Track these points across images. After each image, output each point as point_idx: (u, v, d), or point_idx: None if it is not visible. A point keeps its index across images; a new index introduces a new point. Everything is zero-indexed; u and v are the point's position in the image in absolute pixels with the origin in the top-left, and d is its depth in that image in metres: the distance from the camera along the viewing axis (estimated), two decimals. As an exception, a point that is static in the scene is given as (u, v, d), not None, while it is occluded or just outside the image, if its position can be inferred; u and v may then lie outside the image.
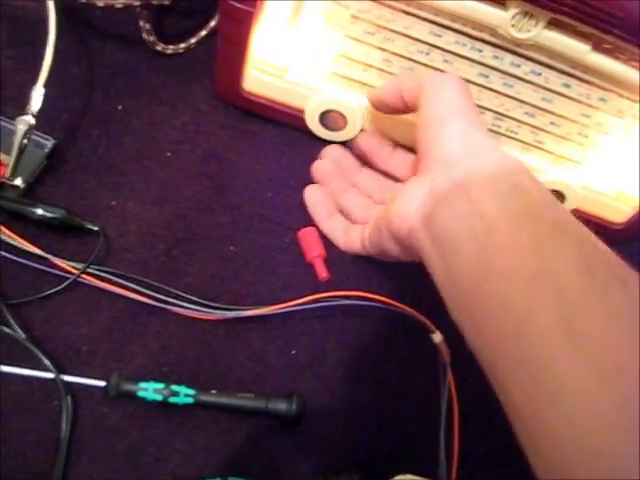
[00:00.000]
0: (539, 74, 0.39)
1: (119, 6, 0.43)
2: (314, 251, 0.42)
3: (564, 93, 0.40)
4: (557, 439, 0.21)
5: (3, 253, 0.38)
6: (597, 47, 0.36)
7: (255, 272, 0.42)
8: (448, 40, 0.39)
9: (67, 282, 0.38)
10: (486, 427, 0.39)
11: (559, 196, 0.44)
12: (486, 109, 0.42)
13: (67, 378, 0.36)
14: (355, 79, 0.42)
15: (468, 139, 0.30)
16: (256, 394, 0.37)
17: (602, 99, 0.40)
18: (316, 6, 0.39)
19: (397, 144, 0.44)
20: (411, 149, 0.43)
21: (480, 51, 0.39)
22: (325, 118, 0.43)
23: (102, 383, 0.36)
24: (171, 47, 0.47)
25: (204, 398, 0.36)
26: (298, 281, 0.42)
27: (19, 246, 0.38)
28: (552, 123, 0.42)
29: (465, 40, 0.39)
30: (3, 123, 0.41)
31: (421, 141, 0.32)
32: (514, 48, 0.38)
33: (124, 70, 0.46)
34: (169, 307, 0.39)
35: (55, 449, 0.35)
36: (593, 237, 0.26)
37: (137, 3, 0.43)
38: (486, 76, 0.40)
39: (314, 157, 0.45)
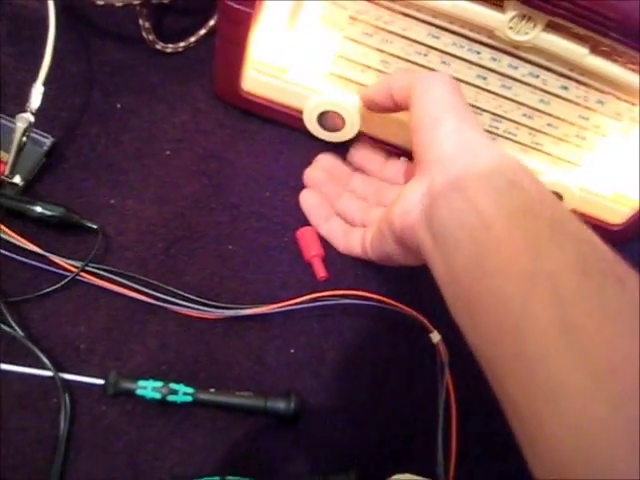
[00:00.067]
0: (537, 76, 0.39)
1: (119, 4, 0.43)
2: (312, 250, 0.42)
3: (562, 95, 0.40)
4: (554, 438, 0.22)
5: (2, 251, 0.38)
6: (595, 50, 0.36)
7: (254, 271, 0.42)
8: (446, 42, 0.39)
9: (66, 280, 0.38)
10: (484, 426, 0.39)
11: (557, 197, 0.44)
12: (484, 111, 0.42)
13: (65, 376, 0.36)
14: (353, 80, 0.42)
15: (462, 137, 0.31)
16: (254, 393, 0.37)
17: (600, 101, 0.40)
18: (314, 7, 0.39)
19: (392, 147, 0.45)
20: (404, 154, 0.44)
21: (478, 53, 0.39)
22: (323, 119, 0.44)
23: (100, 381, 0.36)
24: (170, 46, 0.47)
25: (203, 396, 0.36)
26: (297, 280, 0.42)
27: (18, 244, 0.38)
28: (550, 125, 0.42)
29: (463, 42, 0.39)
30: (2, 121, 0.41)
31: (416, 142, 0.33)
32: (512, 50, 0.38)
33: (123, 68, 0.46)
34: (168, 306, 0.39)
35: (53, 447, 0.35)
36: (591, 235, 0.26)
37: (137, 2, 0.43)
38: (484, 78, 0.40)
39: (312, 157, 0.45)
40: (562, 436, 0.21)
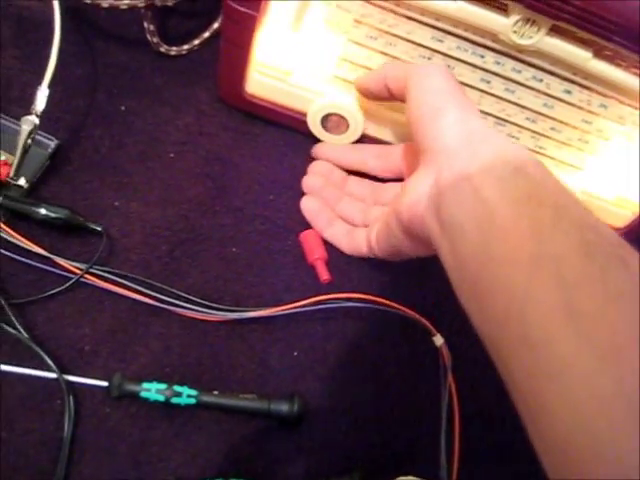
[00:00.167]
0: (540, 80, 0.39)
1: (124, 7, 0.43)
2: (316, 253, 0.42)
3: (565, 99, 0.40)
4: (557, 418, 0.22)
5: (6, 252, 0.38)
6: (598, 54, 0.36)
7: (257, 274, 0.42)
8: (450, 45, 0.39)
9: (70, 282, 0.38)
10: (486, 429, 0.39)
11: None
12: (487, 114, 0.42)
13: (70, 378, 0.36)
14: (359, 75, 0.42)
15: (466, 127, 0.31)
16: (258, 395, 0.37)
17: (603, 105, 0.40)
18: (319, 10, 0.39)
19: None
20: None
21: (482, 57, 0.39)
22: (327, 121, 0.44)
23: (105, 383, 0.36)
24: (174, 48, 0.47)
25: (206, 399, 0.36)
26: (300, 283, 0.42)
27: (22, 245, 0.38)
28: (553, 129, 0.42)
29: (467, 45, 0.39)
30: (7, 123, 0.41)
31: (418, 133, 0.33)
32: (516, 54, 0.38)
33: (128, 71, 0.46)
34: (172, 308, 0.39)
35: (57, 449, 0.35)
36: (594, 219, 0.26)
37: (142, 4, 0.43)
38: (488, 82, 0.40)
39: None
40: (565, 415, 0.22)
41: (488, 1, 0.35)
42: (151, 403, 0.36)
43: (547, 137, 0.43)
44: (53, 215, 0.38)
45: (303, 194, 0.44)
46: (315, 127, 0.44)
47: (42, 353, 0.36)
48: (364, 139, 0.45)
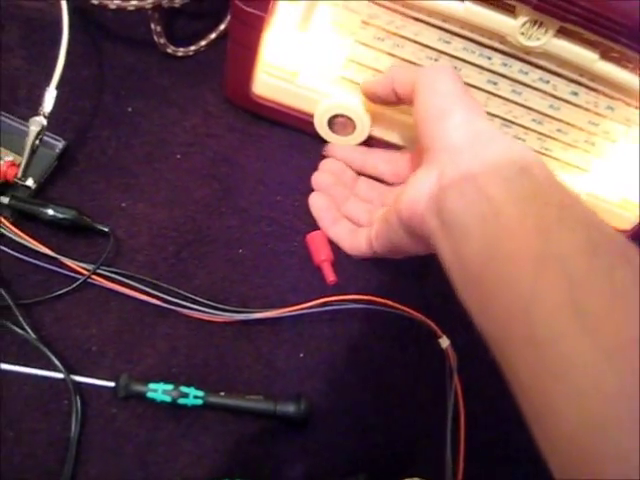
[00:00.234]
0: (547, 82, 0.39)
1: (131, 8, 0.43)
2: (322, 255, 0.42)
3: (572, 101, 0.40)
4: (563, 417, 0.22)
5: (14, 253, 0.38)
6: (605, 55, 0.36)
7: (263, 275, 0.42)
8: (457, 47, 0.39)
9: (77, 283, 0.38)
10: (492, 431, 0.39)
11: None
12: (494, 116, 0.42)
13: (77, 378, 0.36)
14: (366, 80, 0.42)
15: (472, 127, 0.31)
16: (264, 396, 0.37)
17: (610, 107, 0.40)
18: (326, 11, 0.39)
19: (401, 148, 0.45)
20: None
21: (489, 58, 0.39)
22: (333, 123, 0.44)
23: (111, 384, 0.36)
24: (181, 49, 0.47)
25: (213, 400, 0.36)
26: (306, 284, 0.42)
27: (30, 246, 0.38)
28: (559, 130, 0.42)
29: (474, 47, 0.39)
30: (15, 123, 0.41)
31: (424, 133, 0.33)
32: (523, 56, 0.38)
33: (135, 72, 0.46)
34: (178, 309, 0.39)
35: (64, 449, 0.35)
36: (599, 219, 0.26)
37: (149, 6, 0.43)
38: (495, 83, 0.40)
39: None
40: (570, 411, 0.22)
41: (496, 3, 0.35)
42: (158, 404, 0.36)
43: (553, 139, 0.43)
44: (60, 216, 0.38)
45: (309, 195, 0.44)
46: (322, 128, 0.44)
47: (49, 353, 0.36)
48: (370, 140, 0.45)
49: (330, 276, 0.42)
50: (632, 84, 0.37)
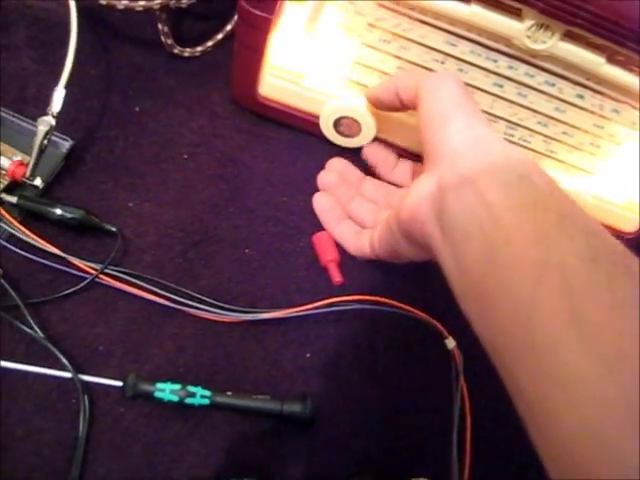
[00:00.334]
0: (553, 85, 0.40)
1: (139, 9, 0.43)
2: (328, 255, 0.42)
3: (577, 104, 0.40)
4: (561, 423, 0.22)
5: (22, 252, 0.38)
6: (611, 59, 0.37)
7: (270, 275, 0.42)
8: (463, 50, 0.39)
9: (85, 282, 0.38)
10: (498, 432, 0.39)
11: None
12: (499, 118, 0.42)
13: (85, 378, 0.36)
14: (370, 86, 0.42)
15: (473, 133, 0.31)
16: (271, 396, 0.37)
17: (615, 110, 0.40)
18: (333, 14, 0.39)
19: (405, 151, 0.45)
20: (418, 159, 0.44)
21: (495, 61, 0.39)
22: (339, 124, 0.44)
23: (119, 383, 0.36)
24: (188, 50, 0.47)
25: (220, 399, 0.36)
26: (312, 285, 0.42)
27: (38, 245, 0.38)
28: (565, 133, 0.42)
29: (480, 50, 0.39)
30: (23, 123, 0.41)
31: (426, 139, 0.33)
32: (529, 59, 0.38)
33: (142, 72, 0.46)
34: (185, 309, 0.39)
35: (72, 448, 0.35)
36: (599, 227, 0.26)
37: (156, 6, 0.43)
38: (500, 86, 0.41)
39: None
40: (569, 420, 0.22)
41: (502, 6, 0.36)
42: (165, 403, 0.36)
43: (559, 141, 0.43)
44: (68, 215, 0.39)
45: (314, 195, 0.44)
46: (327, 130, 0.45)
47: (58, 353, 0.36)
48: (376, 142, 0.45)
49: (336, 276, 0.42)
50: (638, 87, 0.38)
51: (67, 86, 0.39)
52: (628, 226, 0.46)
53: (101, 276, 0.39)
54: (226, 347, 0.39)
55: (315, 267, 0.43)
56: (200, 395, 0.36)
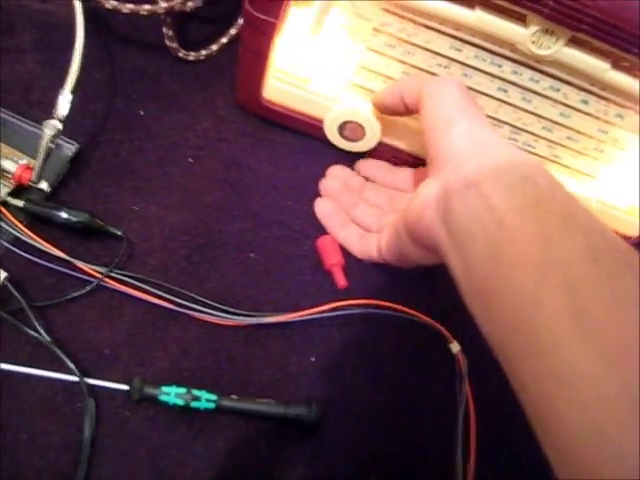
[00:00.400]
0: (558, 90, 0.40)
1: (144, 13, 0.43)
2: (333, 259, 0.42)
3: (582, 109, 0.40)
4: (565, 419, 0.22)
5: (28, 256, 0.38)
6: (616, 65, 0.37)
7: (274, 279, 0.42)
8: (468, 54, 0.39)
9: (91, 286, 0.38)
10: (503, 437, 0.40)
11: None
12: (504, 123, 0.43)
13: (90, 381, 0.36)
14: (375, 91, 0.42)
15: (475, 136, 0.31)
16: (276, 400, 0.37)
17: (619, 115, 0.40)
18: (338, 18, 0.39)
19: (410, 155, 0.45)
20: (423, 163, 0.44)
21: (500, 66, 0.39)
22: (344, 128, 0.44)
23: (125, 387, 0.36)
24: (192, 54, 0.47)
25: (225, 403, 0.36)
26: (317, 288, 0.42)
27: (43, 249, 0.38)
28: (569, 138, 0.42)
29: (485, 55, 0.39)
30: (28, 126, 0.41)
31: (430, 143, 0.34)
32: (534, 64, 0.38)
33: (146, 76, 0.46)
34: (190, 312, 0.39)
35: (77, 451, 0.35)
36: (601, 225, 0.27)
37: (161, 10, 0.43)
38: (505, 91, 0.41)
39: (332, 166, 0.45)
40: (572, 416, 0.22)
41: (507, 11, 0.36)
42: (170, 407, 0.36)
43: (563, 146, 0.43)
44: (74, 219, 0.39)
45: (315, 201, 0.44)
46: (332, 134, 0.45)
47: (63, 356, 0.36)
48: (380, 147, 0.45)
49: (341, 280, 0.42)
50: (642, 93, 0.38)
51: (72, 90, 0.40)
52: (631, 230, 0.46)
53: (106, 279, 0.39)
54: (230, 351, 0.39)
55: (319, 271, 0.43)
56: (205, 399, 0.36)
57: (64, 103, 0.38)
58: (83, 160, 0.42)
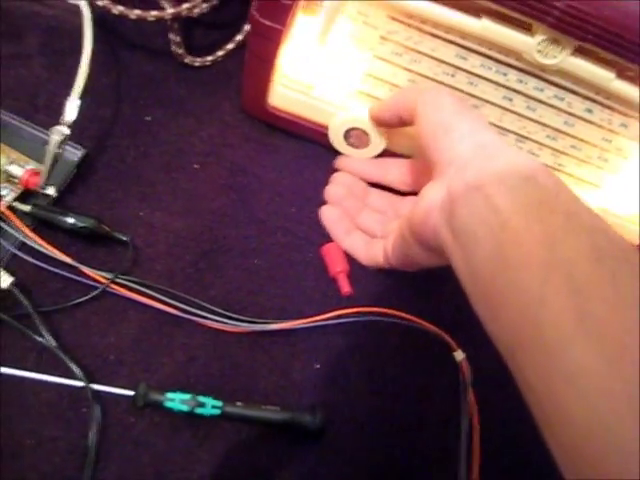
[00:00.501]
0: (562, 99, 0.40)
1: (151, 19, 0.43)
2: (337, 266, 0.42)
3: (586, 118, 0.41)
4: (570, 415, 0.23)
5: (34, 261, 0.38)
6: (621, 74, 0.37)
7: (279, 285, 0.42)
8: (474, 63, 0.39)
9: (96, 291, 0.38)
10: (506, 445, 0.40)
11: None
12: (508, 131, 0.43)
13: (96, 387, 0.36)
14: (381, 98, 0.43)
15: (477, 139, 0.32)
16: (280, 407, 0.38)
17: (624, 125, 0.40)
18: (346, 26, 0.39)
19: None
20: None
21: (505, 75, 0.40)
22: (349, 135, 0.44)
23: (130, 392, 0.36)
24: (198, 59, 0.48)
25: (230, 410, 0.36)
26: (321, 295, 0.42)
27: (49, 254, 0.38)
28: (573, 146, 0.43)
29: (490, 63, 0.39)
30: (35, 131, 0.42)
31: (430, 147, 0.34)
32: (539, 73, 0.39)
33: (153, 81, 0.46)
34: (195, 318, 0.39)
35: (83, 457, 0.35)
36: (605, 225, 0.27)
37: (168, 16, 0.44)
38: (510, 99, 0.41)
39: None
40: (578, 413, 0.22)
41: (513, 21, 0.36)
42: (175, 413, 0.36)
43: (567, 155, 0.43)
44: (80, 224, 0.39)
45: (321, 208, 0.44)
46: (337, 141, 0.45)
47: (69, 361, 0.36)
48: (385, 153, 0.45)
49: (345, 287, 0.42)
50: (647, 103, 0.38)
51: (80, 95, 0.40)
52: (634, 239, 0.46)
53: (112, 285, 0.39)
54: (235, 357, 0.39)
55: (324, 278, 0.43)
56: (211, 405, 0.36)
57: (72, 108, 0.38)
58: (89, 165, 0.42)
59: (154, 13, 0.43)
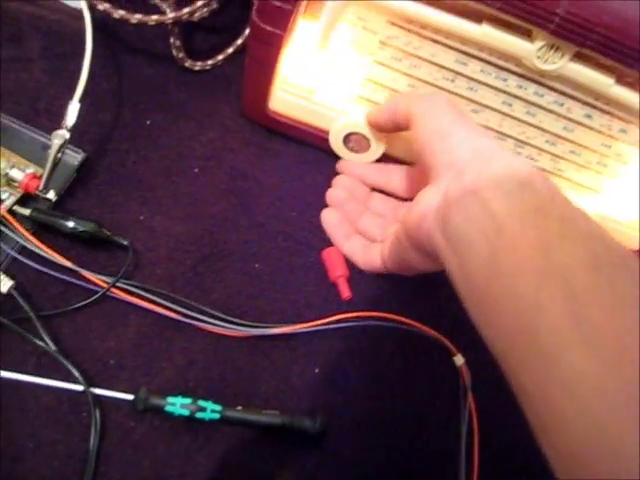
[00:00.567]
0: (562, 104, 0.40)
1: (152, 23, 0.43)
2: (338, 271, 0.43)
3: (586, 123, 0.41)
4: (567, 421, 0.23)
5: (34, 265, 0.38)
6: (621, 80, 0.37)
7: (279, 290, 0.42)
8: (474, 68, 0.40)
9: (97, 295, 0.38)
10: (506, 450, 0.40)
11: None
12: (508, 136, 0.43)
13: (96, 391, 0.36)
14: (381, 103, 0.43)
15: (474, 144, 0.32)
16: (280, 411, 0.38)
17: (623, 130, 0.40)
18: (346, 31, 0.39)
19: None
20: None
21: (505, 80, 0.40)
22: (349, 140, 0.44)
23: (130, 397, 0.36)
24: (199, 63, 0.48)
25: (230, 414, 0.36)
26: (321, 300, 0.42)
27: (50, 258, 0.38)
28: (572, 152, 0.43)
29: (490, 69, 0.39)
30: (35, 135, 0.41)
31: (427, 152, 0.34)
32: (538, 78, 0.39)
33: (153, 85, 0.46)
34: (195, 323, 0.39)
35: (83, 461, 0.35)
36: (600, 230, 0.27)
37: (169, 20, 0.44)
38: (509, 104, 0.41)
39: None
40: (574, 417, 0.22)
41: (513, 26, 0.36)
42: (175, 417, 0.36)
43: (566, 160, 0.43)
44: (81, 228, 0.39)
45: (322, 211, 0.44)
46: (337, 145, 0.45)
47: (69, 365, 0.36)
48: (385, 158, 0.45)
49: (345, 292, 0.42)
50: (646, 108, 0.38)
51: (80, 99, 0.40)
52: (633, 245, 0.46)
53: (112, 289, 0.39)
54: (235, 362, 0.39)
55: (324, 282, 0.43)
56: (211, 410, 0.36)
57: (72, 113, 0.39)
58: (90, 169, 0.42)
59: (155, 17, 0.43)
